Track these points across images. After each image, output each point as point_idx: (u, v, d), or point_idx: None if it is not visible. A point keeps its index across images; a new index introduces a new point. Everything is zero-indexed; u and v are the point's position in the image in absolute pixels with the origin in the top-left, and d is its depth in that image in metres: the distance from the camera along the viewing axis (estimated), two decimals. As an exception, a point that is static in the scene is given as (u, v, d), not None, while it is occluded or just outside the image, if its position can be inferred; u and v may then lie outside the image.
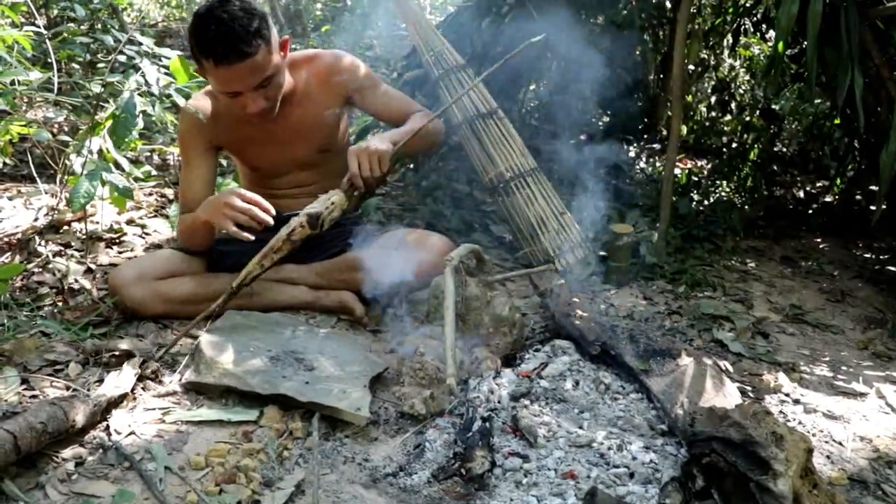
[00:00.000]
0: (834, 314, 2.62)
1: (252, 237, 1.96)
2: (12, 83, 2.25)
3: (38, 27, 2.54)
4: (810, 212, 3.84)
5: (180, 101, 2.27)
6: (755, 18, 3.91)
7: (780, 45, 2.58)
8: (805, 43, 2.55)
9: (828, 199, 4.02)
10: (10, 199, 2.79)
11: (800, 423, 1.85)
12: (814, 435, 1.79)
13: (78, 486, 1.38)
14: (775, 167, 4.17)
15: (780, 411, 1.90)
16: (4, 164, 2.78)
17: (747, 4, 3.90)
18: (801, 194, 4.12)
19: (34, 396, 1.62)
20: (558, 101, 3.41)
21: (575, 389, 1.81)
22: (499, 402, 1.73)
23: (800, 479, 1.31)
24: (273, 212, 1.98)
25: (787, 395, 1.99)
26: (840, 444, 1.77)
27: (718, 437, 1.39)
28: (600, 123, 4.23)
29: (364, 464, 1.55)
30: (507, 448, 1.58)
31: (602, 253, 2.73)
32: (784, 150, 4.52)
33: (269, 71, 1.99)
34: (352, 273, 2.23)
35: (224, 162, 3.44)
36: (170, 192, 3.23)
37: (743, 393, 1.95)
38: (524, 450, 1.58)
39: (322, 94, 2.26)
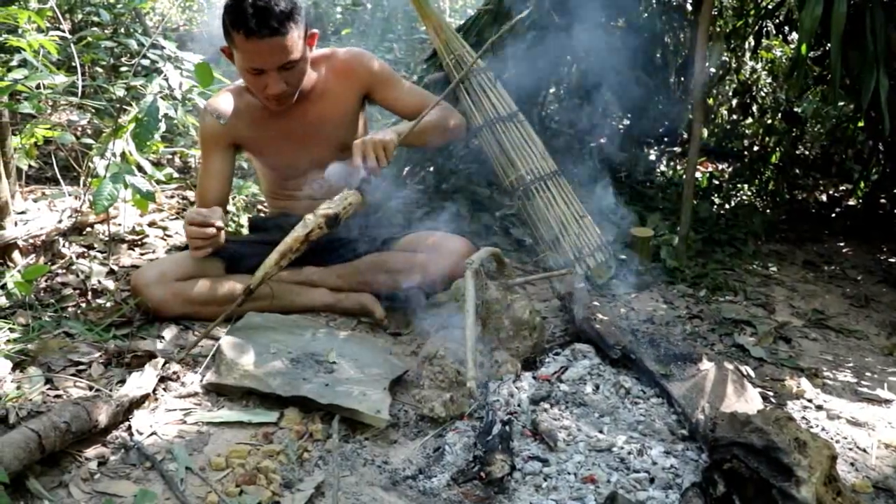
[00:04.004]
0: (858, 319, 2.59)
1: (205, 254, 2.07)
2: (38, 87, 2.28)
3: (63, 31, 2.56)
4: (833, 216, 3.81)
5: (202, 105, 2.29)
6: (777, 20, 3.89)
7: (804, 48, 2.56)
8: (829, 45, 2.53)
9: (851, 202, 3.99)
10: (35, 201, 2.82)
11: (823, 429, 1.83)
12: (837, 442, 1.77)
13: (100, 485, 1.39)
14: (797, 170, 4.15)
15: (803, 417, 1.88)
16: (30, 166, 2.81)
17: (769, 6, 3.87)
18: (824, 198, 4.09)
19: (58, 396, 1.64)
20: (579, 104, 3.40)
21: (595, 393, 1.80)
22: (518, 405, 1.73)
23: (823, 486, 1.29)
24: (219, 224, 2.04)
25: (809, 401, 1.97)
26: (864, 451, 1.74)
27: (740, 443, 1.38)
28: (621, 127, 4.21)
29: (384, 466, 1.55)
30: (527, 452, 1.58)
31: (622, 256, 2.72)
32: (806, 153, 4.49)
33: (295, 55, 2.06)
34: (372, 275, 2.24)
35: (245, 165, 3.46)
36: (191, 195, 3.25)
37: (765, 398, 1.93)
38: (544, 454, 1.57)
39: (340, 91, 2.28)
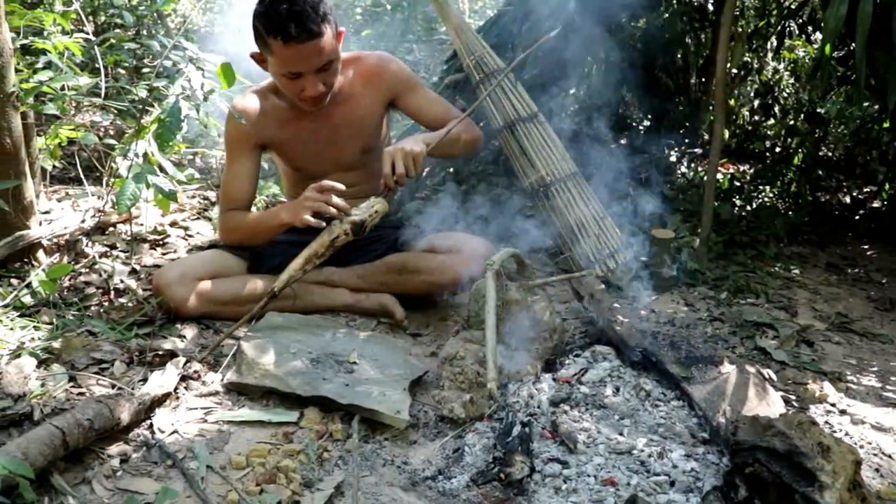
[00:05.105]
0: (882, 323, 2.56)
1: (324, 224, 2.02)
2: (62, 88, 2.30)
3: (87, 34, 2.59)
4: (857, 217, 3.77)
5: (223, 106, 2.30)
6: (800, 20, 3.85)
7: (828, 48, 2.53)
8: (853, 45, 2.50)
9: (875, 204, 3.94)
10: (59, 201, 2.86)
11: (847, 434, 1.80)
12: (862, 447, 1.75)
13: (123, 482, 1.40)
14: (820, 172, 4.10)
15: (826, 422, 1.85)
16: (54, 166, 2.84)
17: (792, 6, 3.83)
18: (848, 200, 4.04)
19: (81, 394, 1.66)
20: (599, 105, 3.39)
21: (615, 396, 1.79)
22: (538, 407, 1.72)
23: (847, 492, 1.27)
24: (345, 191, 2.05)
25: (833, 405, 1.94)
26: (889, 456, 1.72)
27: (762, 447, 1.37)
28: (641, 128, 4.19)
29: (403, 467, 1.56)
30: (547, 454, 1.57)
31: (643, 258, 2.71)
32: (830, 154, 4.44)
33: (332, 55, 2.07)
34: (392, 276, 2.24)
35: (266, 165, 3.48)
36: (212, 195, 3.28)
37: (787, 402, 1.91)
38: (563, 456, 1.57)
39: (366, 94, 2.29)
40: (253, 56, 2.14)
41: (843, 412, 1.91)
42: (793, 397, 1.97)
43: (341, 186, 2.05)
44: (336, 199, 2.02)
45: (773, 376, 2.05)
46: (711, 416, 1.68)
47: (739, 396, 1.75)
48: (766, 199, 3.86)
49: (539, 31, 3.22)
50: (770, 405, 1.76)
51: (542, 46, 2.75)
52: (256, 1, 2.04)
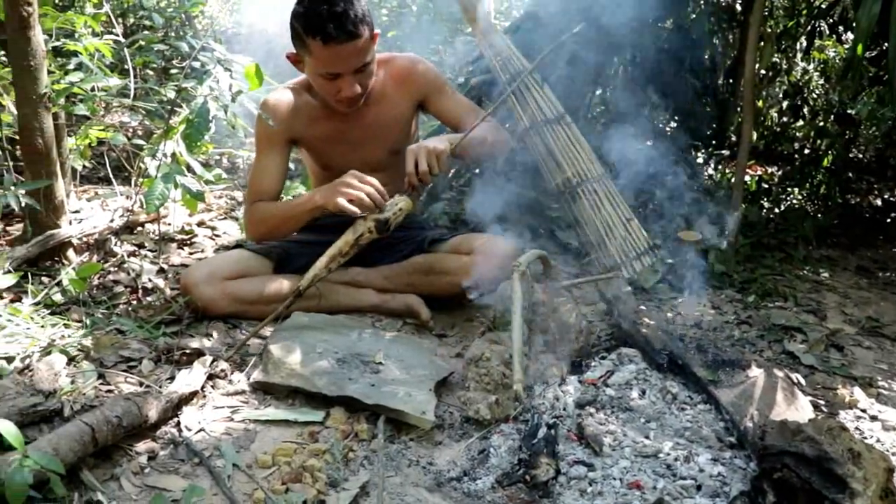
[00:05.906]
0: (914, 327, 2.52)
1: (358, 211, 2.03)
2: (92, 89, 2.33)
3: (117, 35, 2.62)
4: (888, 220, 3.71)
5: (250, 107, 2.32)
6: (831, 20, 3.80)
7: (859, 48, 2.50)
8: (885, 44, 2.46)
9: (907, 207, 3.88)
10: (89, 200, 2.89)
11: (878, 440, 1.77)
12: (893, 454, 1.72)
13: (150, 479, 1.41)
14: (850, 174, 4.05)
15: (857, 428, 1.83)
16: (84, 166, 2.88)
17: (822, 6, 3.79)
18: (879, 202, 3.98)
19: (110, 391, 1.67)
20: (626, 105, 3.37)
21: (641, 398, 1.78)
22: (564, 409, 1.72)
23: (879, 500, 1.25)
24: (384, 192, 2.06)
25: (863, 410, 1.91)
26: (922, 463, 1.69)
27: (791, 452, 1.35)
28: (668, 129, 4.16)
29: (428, 467, 1.56)
30: (572, 456, 1.56)
31: (669, 260, 2.68)
32: (860, 156, 4.38)
33: (369, 56, 2.09)
34: (419, 277, 2.25)
35: (292, 166, 3.50)
36: (239, 195, 3.30)
37: (816, 407, 1.89)
38: (589, 458, 1.56)
39: (396, 96, 2.30)
40: (289, 57, 2.15)
41: (873, 418, 1.88)
42: (822, 402, 1.94)
43: (381, 188, 2.06)
44: (373, 192, 2.04)
45: (802, 381, 2.02)
46: (739, 420, 1.66)
47: (767, 401, 1.73)
48: (794, 202, 3.82)
49: (565, 31, 3.20)
50: (799, 410, 1.74)
51: (566, 46, 2.74)
52: (295, 2, 2.05)
